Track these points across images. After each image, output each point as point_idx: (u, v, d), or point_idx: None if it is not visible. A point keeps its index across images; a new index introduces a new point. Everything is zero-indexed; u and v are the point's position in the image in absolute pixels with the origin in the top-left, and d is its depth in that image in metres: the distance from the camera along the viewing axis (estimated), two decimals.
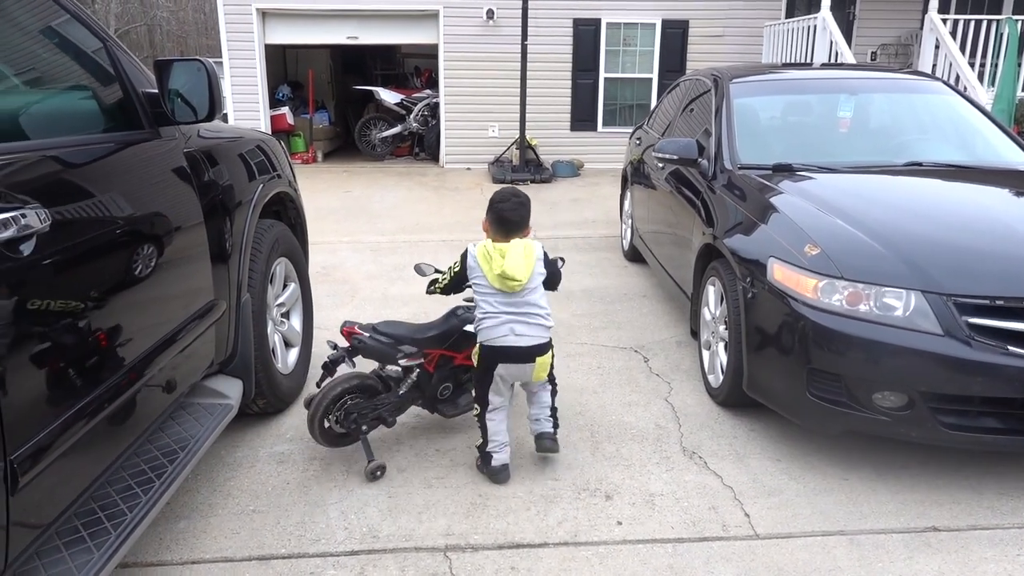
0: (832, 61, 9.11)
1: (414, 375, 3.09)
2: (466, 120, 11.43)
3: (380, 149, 12.63)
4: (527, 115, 10.61)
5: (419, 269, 3.15)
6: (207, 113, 2.52)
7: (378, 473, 2.93)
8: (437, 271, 3.08)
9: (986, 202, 3.40)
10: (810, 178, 3.66)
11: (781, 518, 2.69)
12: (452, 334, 3.11)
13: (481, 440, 2.95)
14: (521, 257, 2.73)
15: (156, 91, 2.51)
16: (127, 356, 2.17)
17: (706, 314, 3.74)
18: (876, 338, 2.72)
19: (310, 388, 3.71)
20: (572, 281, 5.66)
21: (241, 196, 3.06)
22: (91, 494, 2.16)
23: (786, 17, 11.13)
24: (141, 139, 2.45)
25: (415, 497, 2.82)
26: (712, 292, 3.67)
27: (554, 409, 3.04)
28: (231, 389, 2.89)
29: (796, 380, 2.90)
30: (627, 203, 6.31)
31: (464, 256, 2.87)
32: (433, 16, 11.17)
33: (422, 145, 12.62)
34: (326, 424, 2.95)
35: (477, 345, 2.90)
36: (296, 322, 3.69)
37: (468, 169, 11.34)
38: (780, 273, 3.01)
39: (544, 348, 2.83)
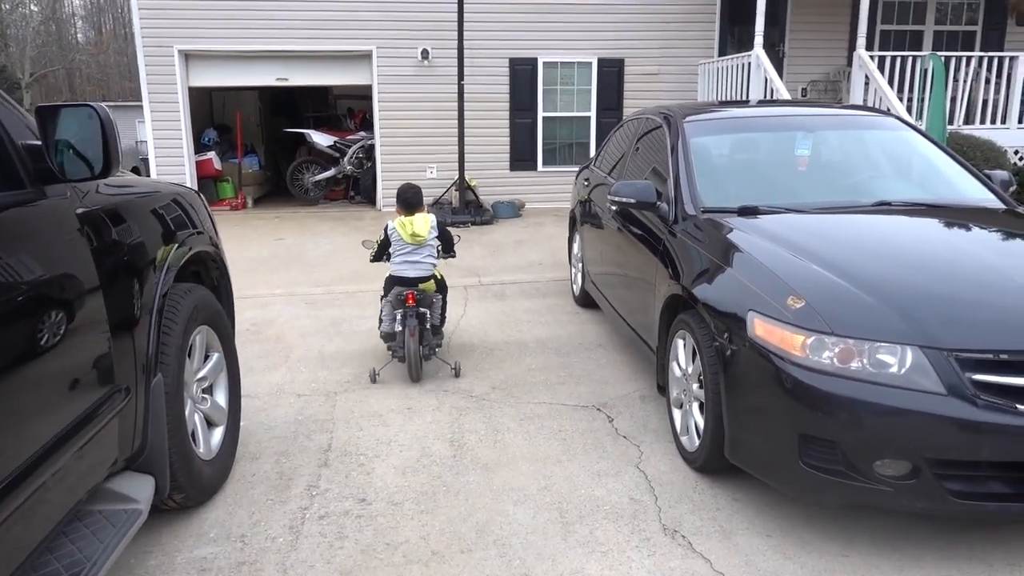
0: (768, 97, 9.15)
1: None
2: (403, 162, 11.09)
3: (313, 193, 12.16)
4: (466, 156, 10.35)
5: (364, 244, 4.83)
6: (102, 168, 2.12)
7: (460, 367, 4.52)
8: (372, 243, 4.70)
9: (969, 246, 3.19)
10: (780, 222, 3.44)
11: None
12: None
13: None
14: (424, 223, 4.46)
15: (40, 143, 2.11)
16: None
17: (675, 369, 3.46)
18: (872, 399, 2.46)
19: (238, 469, 3.28)
20: (524, 331, 5.35)
21: (152, 259, 2.65)
22: None
23: (719, 56, 11.23)
24: (19, 200, 2.03)
25: None
26: (682, 346, 3.39)
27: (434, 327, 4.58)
28: (140, 490, 2.44)
29: (787, 447, 2.62)
30: (576, 246, 6.06)
31: (386, 229, 4.51)
32: (366, 57, 10.87)
33: (357, 188, 12.20)
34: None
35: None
36: (220, 397, 3.25)
37: None
38: (762, 329, 2.74)
39: (424, 279, 4.53)
